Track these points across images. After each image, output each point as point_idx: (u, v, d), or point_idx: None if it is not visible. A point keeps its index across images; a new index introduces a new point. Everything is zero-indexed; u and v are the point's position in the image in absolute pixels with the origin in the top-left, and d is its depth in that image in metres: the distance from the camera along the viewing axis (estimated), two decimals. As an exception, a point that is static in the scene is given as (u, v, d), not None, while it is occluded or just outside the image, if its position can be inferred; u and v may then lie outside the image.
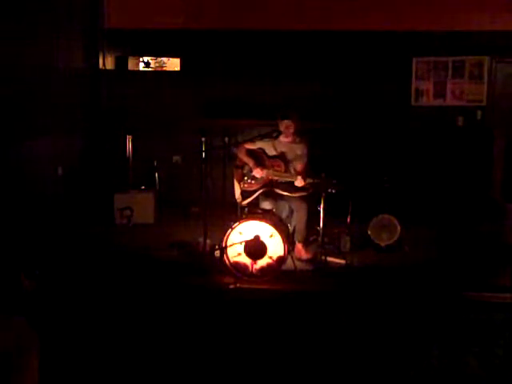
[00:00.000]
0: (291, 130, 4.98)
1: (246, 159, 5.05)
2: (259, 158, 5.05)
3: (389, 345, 3.29)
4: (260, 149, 5.08)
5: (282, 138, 5.03)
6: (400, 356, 3.11)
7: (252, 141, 5.09)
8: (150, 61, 6.92)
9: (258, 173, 4.97)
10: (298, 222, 4.90)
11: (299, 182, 4.81)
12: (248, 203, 4.96)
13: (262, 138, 5.03)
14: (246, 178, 5.03)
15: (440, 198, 6.22)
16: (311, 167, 5.01)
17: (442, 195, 6.25)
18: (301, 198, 4.91)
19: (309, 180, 4.78)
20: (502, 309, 1.20)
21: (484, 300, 1.20)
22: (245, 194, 5.00)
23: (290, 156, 5.03)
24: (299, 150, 5.05)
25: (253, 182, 5.00)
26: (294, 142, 5.07)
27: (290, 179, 4.89)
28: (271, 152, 5.07)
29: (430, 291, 4.05)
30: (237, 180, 5.07)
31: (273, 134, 5.01)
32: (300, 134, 5.09)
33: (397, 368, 2.94)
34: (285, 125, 4.95)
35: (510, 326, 1.24)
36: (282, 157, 5.03)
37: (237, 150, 5.16)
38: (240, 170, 5.08)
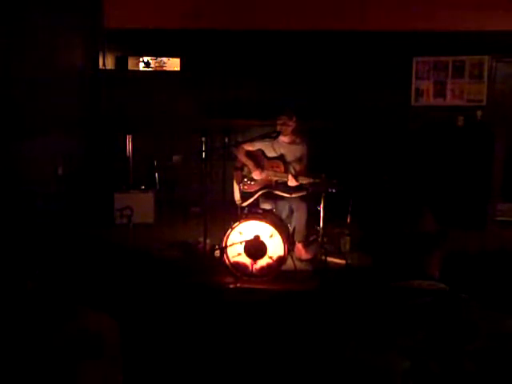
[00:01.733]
0: (289, 129, 4.94)
1: (245, 160, 5.02)
2: (258, 159, 5.04)
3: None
4: (259, 150, 5.06)
5: (281, 139, 4.97)
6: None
7: (252, 141, 5.07)
8: (150, 61, 6.92)
9: (257, 175, 4.95)
10: (297, 221, 4.89)
11: (291, 182, 4.81)
12: (248, 204, 4.96)
13: (261, 138, 5.00)
14: (245, 180, 5.01)
15: (440, 197, 6.22)
16: (311, 167, 5.00)
17: (441, 195, 6.24)
18: (301, 198, 4.89)
19: (303, 180, 4.77)
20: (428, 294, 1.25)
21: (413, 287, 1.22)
22: (245, 196, 4.99)
23: (289, 158, 5.00)
24: (298, 151, 5.02)
25: (252, 183, 4.98)
26: (293, 142, 5.04)
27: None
28: (270, 153, 5.03)
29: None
30: (236, 181, 5.05)
31: (272, 135, 4.99)
32: (299, 134, 5.07)
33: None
34: (282, 121, 4.90)
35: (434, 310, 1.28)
36: (281, 158, 5.01)
37: (236, 150, 5.13)
38: (239, 172, 5.06)
